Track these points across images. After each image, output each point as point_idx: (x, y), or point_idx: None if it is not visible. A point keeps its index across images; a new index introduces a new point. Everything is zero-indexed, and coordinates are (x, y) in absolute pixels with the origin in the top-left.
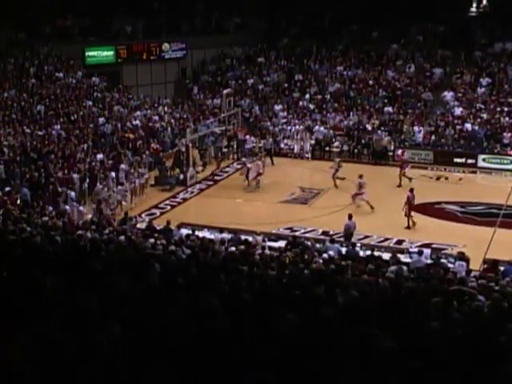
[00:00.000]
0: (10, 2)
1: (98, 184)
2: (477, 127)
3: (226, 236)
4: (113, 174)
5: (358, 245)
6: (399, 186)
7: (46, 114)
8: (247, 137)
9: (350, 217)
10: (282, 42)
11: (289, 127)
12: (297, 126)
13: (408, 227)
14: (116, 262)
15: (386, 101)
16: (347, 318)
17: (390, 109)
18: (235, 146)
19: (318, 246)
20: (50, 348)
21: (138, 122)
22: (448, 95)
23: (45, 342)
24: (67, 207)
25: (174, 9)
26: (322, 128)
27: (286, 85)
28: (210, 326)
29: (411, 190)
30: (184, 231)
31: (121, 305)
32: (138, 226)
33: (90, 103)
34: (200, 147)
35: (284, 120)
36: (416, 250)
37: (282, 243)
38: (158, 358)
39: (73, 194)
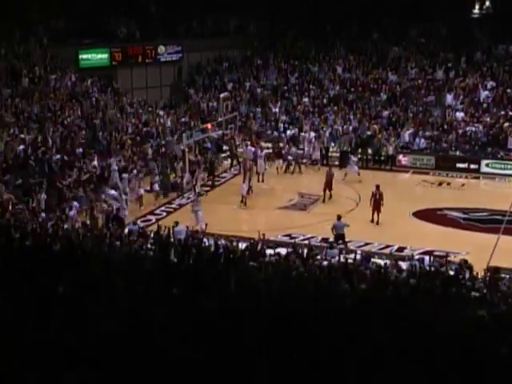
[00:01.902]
0: (4, 3)
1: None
2: (482, 130)
3: (222, 244)
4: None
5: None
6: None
7: (40, 117)
8: (250, 147)
9: (339, 218)
10: (280, 44)
11: (289, 132)
12: (308, 134)
13: (372, 221)
14: (111, 266)
15: (385, 100)
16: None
17: (390, 113)
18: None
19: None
20: (49, 347)
21: (133, 125)
22: (450, 98)
23: (45, 343)
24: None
25: (171, 11)
26: (327, 133)
27: (284, 88)
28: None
29: (377, 187)
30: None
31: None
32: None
33: (84, 107)
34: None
35: (284, 124)
36: (417, 257)
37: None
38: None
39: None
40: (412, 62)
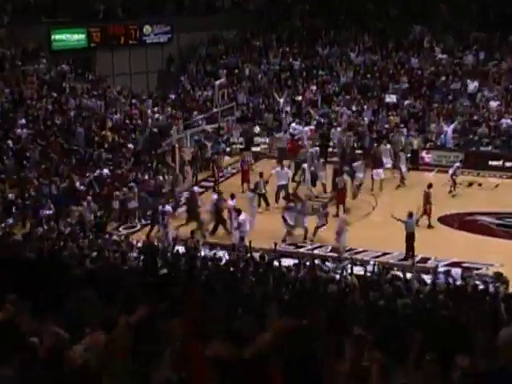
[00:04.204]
0: None
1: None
2: None
3: (218, 253)
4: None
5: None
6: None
7: (7, 109)
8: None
9: (411, 215)
10: (284, 23)
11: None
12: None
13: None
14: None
15: (406, 88)
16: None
17: (412, 102)
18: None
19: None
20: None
21: (115, 118)
22: (482, 86)
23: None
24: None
25: None
26: (338, 129)
27: (288, 74)
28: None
29: (428, 186)
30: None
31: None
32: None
33: (58, 96)
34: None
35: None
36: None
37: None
38: None
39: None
40: (437, 43)
